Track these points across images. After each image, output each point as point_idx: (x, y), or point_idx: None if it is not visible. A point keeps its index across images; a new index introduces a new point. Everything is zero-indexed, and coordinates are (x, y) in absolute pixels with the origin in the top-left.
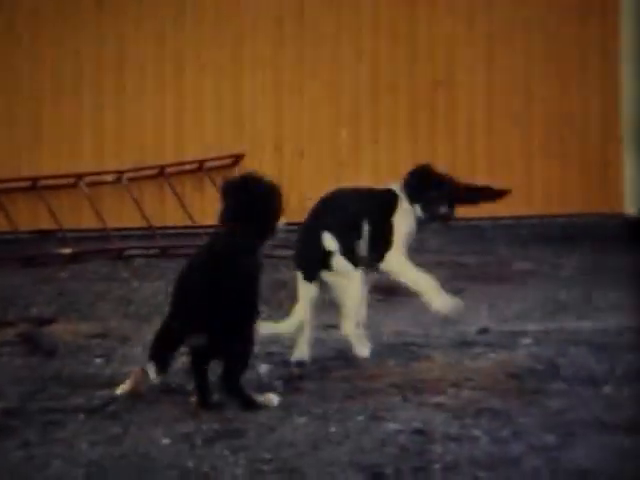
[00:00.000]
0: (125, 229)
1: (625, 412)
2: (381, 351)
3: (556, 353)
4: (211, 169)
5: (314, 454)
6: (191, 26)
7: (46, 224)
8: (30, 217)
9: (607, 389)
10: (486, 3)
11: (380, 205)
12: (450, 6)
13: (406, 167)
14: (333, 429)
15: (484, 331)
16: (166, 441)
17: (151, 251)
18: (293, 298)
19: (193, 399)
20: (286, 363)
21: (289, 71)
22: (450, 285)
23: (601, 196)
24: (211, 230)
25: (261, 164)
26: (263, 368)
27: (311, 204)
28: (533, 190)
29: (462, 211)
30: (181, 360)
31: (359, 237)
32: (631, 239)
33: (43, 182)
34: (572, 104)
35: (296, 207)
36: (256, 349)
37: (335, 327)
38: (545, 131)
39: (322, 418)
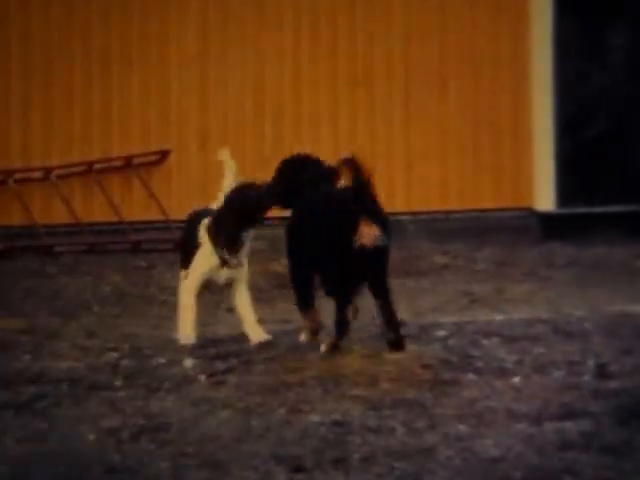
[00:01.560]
0: (53, 225)
1: (532, 402)
2: (302, 344)
3: (469, 345)
4: (138, 165)
5: (237, 447)
6: (118, 22)
7: None
8: None
9: (516, 380)
10: (403, 3)
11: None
12: (369, 6)
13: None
14: (255, 422)
15: (401, 324)
16: (92, 437)
17: (79, 247)
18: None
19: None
20: (210, 358)
21: (214, 67)
22: None
23: (512, 192)
24: (137, 226)
25: (187, 160)
26: (188, 362)
27: None
28: (448, 186)
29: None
30: (108, 356)
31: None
32: (542, 234)
33: None
34: (485, 101)
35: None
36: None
37: (259, 321)
38: (459, 128)
39: (245, 412)
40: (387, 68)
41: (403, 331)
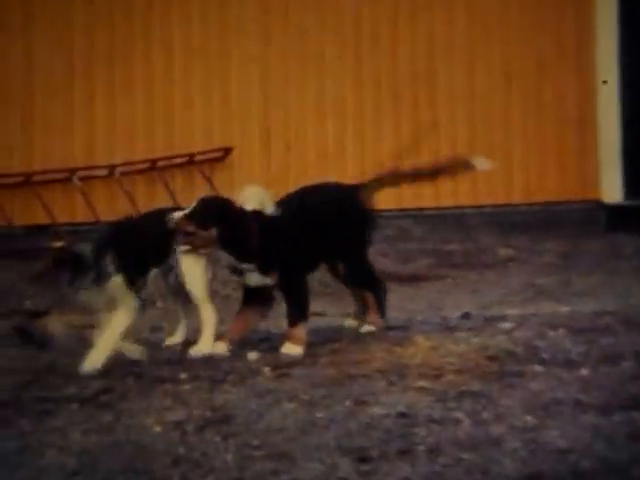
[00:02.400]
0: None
1: (600, 393)
2: (365, 336)
3: (535, 337)
4: (201, 162)
5: (302, 439)
6: (179, 19)
7: (40, 219)
8: (24, 212)
9: (583, 371)
10: None
11: None
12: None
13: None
14: (320, 414)
15: (466, 316)
16: (157, 429)
17: None
18: None
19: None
20: (275, 350)
21: (275, 64)
22: (434, 272)
23: (578, 184)
24: None
25: (250, 157)
26: (252, 355)
27: None
28: (513, 179)
29: (445, 200)
30: (173, 350)
31: None
32: (608, 226)
33: (36, 177)
34: (549, 92)
35: None
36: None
37: (322, 315)
38: (523, 120)
39: (310, 404)
40: (449, 64)
41: (468, 323)
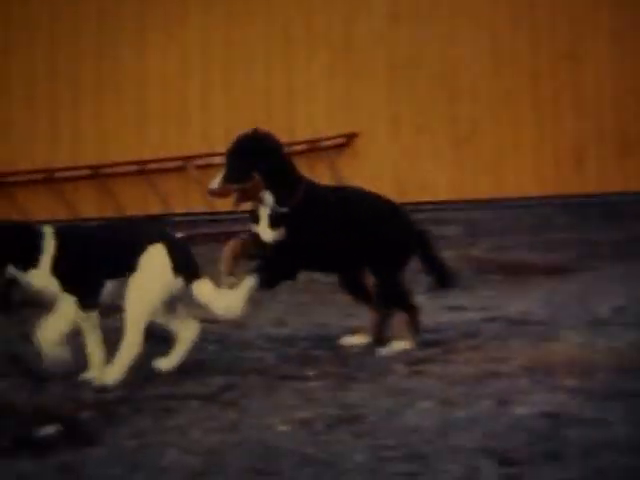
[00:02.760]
0: (235, 212)
1: None
2: (507, 332)
3: None
4: (324, 149)
5: (439, 440)
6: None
7: (156, 209)
8: (139, 202)
9: None
10: None
11: None
12: None
13: (529, 147)
14: (459, 414)
15: (618, 310)
16: (284, 428)
17: None
18: None
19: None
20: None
21: (403, 47)
22: (582, 263)
23: None
24: None
25: (376, 144)
26: (383, 351)
27: None
28: None
29: (591, 186)
30: (299, 345)
31: None
32: None
33: (151, 166)
34: None
35: (417, 184)
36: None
37: (459, 309)
38: None
39: (447, 403)
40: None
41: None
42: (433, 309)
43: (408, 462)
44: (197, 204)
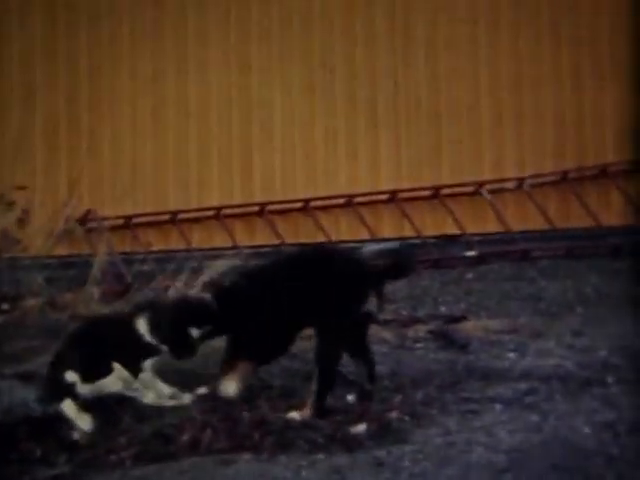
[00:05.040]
0: (528, 231)
1: None
2: None
3: None
4: (614, 173)
5: None
6: None
7: (450, 229)
8: (434, 223)
9: None
10: None
11: None
12: None
13: None
14: None
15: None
16: (587, 429)
17: (556, 252)
18: None
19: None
20: None
21: None
22: None
23: None
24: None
25: None
26: None
27: None
28: None
29: None
30: (598, 354)
31: None
32: None
33: (445, 190)
34: None
35: None
36: None
37: None
38: None
39: None
40: None
41: None
42: None
43: None
44: (490, 225)
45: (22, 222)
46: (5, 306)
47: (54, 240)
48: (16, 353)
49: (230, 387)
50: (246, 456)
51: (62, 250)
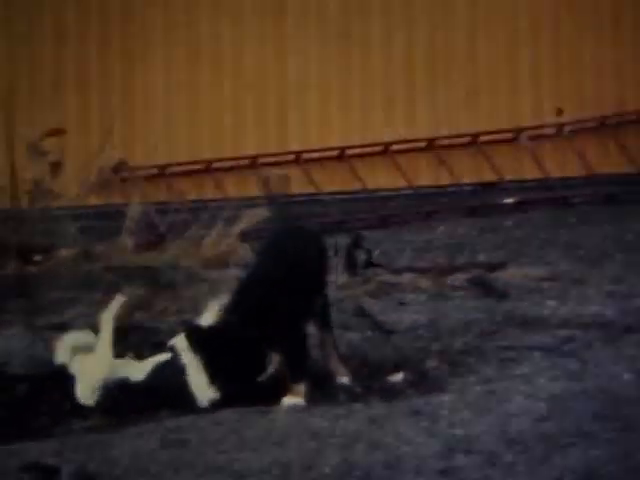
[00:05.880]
0: (567, 178)
1: None
2: None
3: None
4: None
5: None
6: None
7: (488, 176)
8: (472, 170)
9: None
10: None
11: None
12: None
13: None
14: None
15: None
16: (627, 376)
17: (595, 198)
18: None
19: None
20: None
21: None
22: None
23: None
24: None
25: None
26: None
27: None
28: None
29: None
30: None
31: None
32: None
33: (483, 137)
34: None
35: None
36: None
37: None
38: None
39: None
40: None
41: None
42: None
43: None
44: (529, 171)
45: (55, 172)
46: (38, 257)
47: (88, 190)
48: (50, 304)
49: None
50: (283, 407)
51: (96, 200)
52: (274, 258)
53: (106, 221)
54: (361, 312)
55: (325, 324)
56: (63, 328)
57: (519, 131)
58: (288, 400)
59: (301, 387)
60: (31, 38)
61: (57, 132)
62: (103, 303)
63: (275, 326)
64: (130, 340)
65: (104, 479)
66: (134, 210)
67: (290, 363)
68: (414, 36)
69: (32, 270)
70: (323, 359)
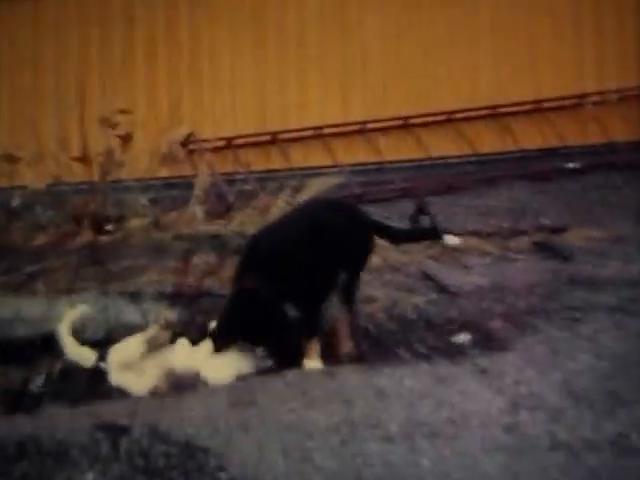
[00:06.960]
0: (630, 142)
1: None
2: None
3: None
4: None
5: None
6: None
7: (552, 142)
8: (536, 136)
9: None
10: None
11: None
12: None
13: None
14: None
15: None
16: None
17: None
18: None
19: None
20: None
21: None
22: None
23: None
24: None
25: None
26: None
27: None
28: None
29: None
30: None
31: None
32: None
33: (547, 104)
34: None
35: None
36: None
37: None
38: None
39: None
40: None
41: None
42: None
43: None
44: (593, 137)
45: (125, 145)
46: (110, 227)
47: (157, 162)
48: (121, 272)
49: (315, 364)
50: (350, 367)
51: (165, 172)
52: (298, 223)
53: (175, 191)
54: (425, 275)
55: (346, 301)
56: (134, 295)
57: (583, 96)
58: (307, 364)
59: (316, 350)
60: (103, 21)
61: (126, 112)
62: (174, 270)
63: (295, 289)
64: (201, 303)
65: (175, 438)
66: (203, 181)
67: (304, 320)
68: (481, 4)
69: (105, 239)
70: (331, 333)
